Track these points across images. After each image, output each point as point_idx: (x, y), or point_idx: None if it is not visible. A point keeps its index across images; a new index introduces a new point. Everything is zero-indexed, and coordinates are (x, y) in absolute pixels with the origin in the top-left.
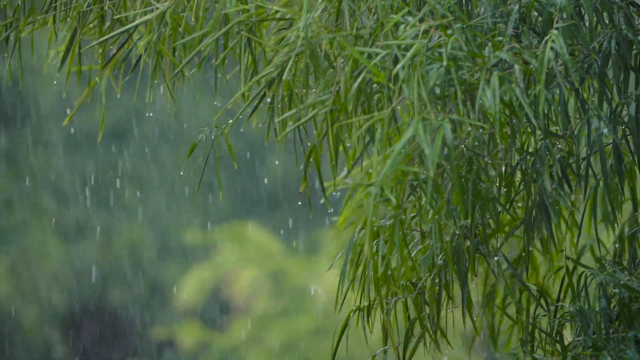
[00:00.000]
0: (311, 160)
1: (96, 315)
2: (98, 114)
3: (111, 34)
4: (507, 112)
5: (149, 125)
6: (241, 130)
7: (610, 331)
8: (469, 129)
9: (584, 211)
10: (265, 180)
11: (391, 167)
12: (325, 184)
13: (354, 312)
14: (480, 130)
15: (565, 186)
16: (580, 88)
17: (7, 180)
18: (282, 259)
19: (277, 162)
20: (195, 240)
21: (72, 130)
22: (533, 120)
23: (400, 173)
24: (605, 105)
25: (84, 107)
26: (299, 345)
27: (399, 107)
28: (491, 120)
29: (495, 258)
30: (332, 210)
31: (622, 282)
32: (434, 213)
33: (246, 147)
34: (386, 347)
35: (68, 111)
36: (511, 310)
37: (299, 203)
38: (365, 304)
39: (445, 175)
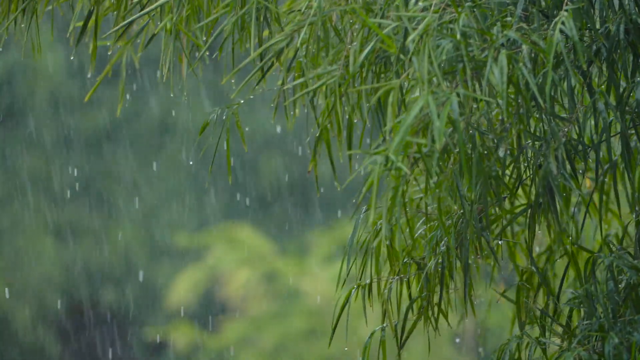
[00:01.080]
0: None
1: (89, 316)
2: (91, 114)
3: (133, 17)
4: (514, 96)
5: (142, 126)
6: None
7: (618, 315)
8: (475, 105)
9: (591, 195)
10: (258, 182)
11: (401, 138)
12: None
13: (355, 289)
14: (486, 108)
15: (574, 171)
16: (587, 72)
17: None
18: (275, 260)
19: (270, 163)
20: (188, 241)
21: (66, 130)
22: (539, 99)
23: (406, 145)
24: (613, 93)
25: (79, 107)
26: (292, 346)
27: (407, 82)
28: (497, 97)
29: (500, 242)
30: (341, 191)
31: (631, 263)
32: (435, 187)
33: (240, 149)
34: (385, 325)
35: (62, 110)
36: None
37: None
38: (367, 281)
39: (448, 149)
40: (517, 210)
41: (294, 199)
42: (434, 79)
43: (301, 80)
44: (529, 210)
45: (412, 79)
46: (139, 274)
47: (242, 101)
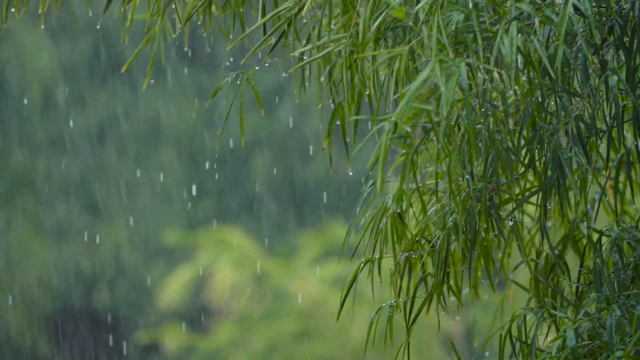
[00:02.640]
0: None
1: (81, 317)
2: (81, 115)
3: None
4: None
5: (134, 127)
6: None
7: (625, 289)
8: (485, 76)
9: (608, 174)
10: (249, 183)
11: (407, 104)
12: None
13: (364, 264)
14: (496, 81)
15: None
16: (601, 48)
17: None
18: (265, 262)
19: (260, 163)
20: (179, 243)
21: (57, 131)
22: (551, 71)
23: (414, 113)
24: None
25: (72, 108)
26: (282, 347)
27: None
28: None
29: (511, 223)
30: (352, 172)
31: (637, 237)
32: (444, 156)
33: (234, 150)
34: (392, 302)
35: (52, 109)
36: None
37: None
38: (377, 256)
39: (459, 122)
40: (528, 193)
41: (284, 199)
42: (443, 48)
43: (308, 48)
44: (541, 193)
45: (421, 48)
46: (130, 276)
47: (256, 67)
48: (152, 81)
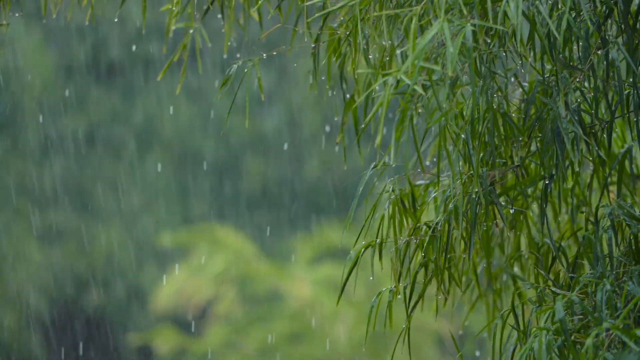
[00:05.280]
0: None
1: (75, 319)
2: (75, 117)
3: None
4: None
5: (126, 129)
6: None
7: (620, 265)
8: (488, 40)
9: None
10: (244, 184)
11: (415, 59)
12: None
13: (366, 248)
14: (497, 47)
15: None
16: (604, 23)
17: None
18: (259, 264)
19: (255, 165)
20: (172, 245)
21: (50, 135)
22: (555, 33)
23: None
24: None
25: (63, 109)
26: (275, 349)
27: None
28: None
29: (512, 210)
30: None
31: (630, 212)
32: (441, 115)
33: (227, 151)
34: (392, 287)
35: (51, 112)
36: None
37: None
38: (378, 240)
39: (457, 84)
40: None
41: (280, 201)
42: (451, 8)
43: None
44: (542, 182)
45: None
46: (123, 278)
47: (264, 55)
48: (145, 82)
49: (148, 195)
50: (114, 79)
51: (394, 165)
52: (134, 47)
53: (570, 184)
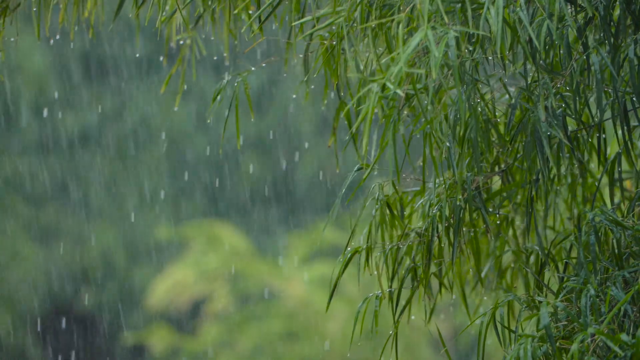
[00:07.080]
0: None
1: (69, 318)
2: (69, 116)
3: None
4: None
5: (120, 129)
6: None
7: (604, 271)
8: (470, 48)
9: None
10: (239, 183)
11: (401, 66)
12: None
13: (354, 253)
14: (480, 53)
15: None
16: (584, 27)
17: None
18: (254, 262)
19: (250, 166)
20: (167, 243)
21: (45, 134)
22: (535, 41)
23: (404, 76)
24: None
25: (57, 109)
26: (270, 347)
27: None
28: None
29: (498, 214)
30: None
31: (612, 217)
32: (426, 122)
33: (223, 149)
34: (379, 292)
35: (45, 112)
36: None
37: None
38: (365, 245)
39: (441, 91)
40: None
41: (274, 200)
42: (434, 16)
43: (307, 19)
44: (528, 186)
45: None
46: (117, 277)
47: (253, 68)
48: (139, 82)
49: (143, 194)
50: (107, 78)
51: (376, 173)
52: (127, 48)
53: (558, 187)
